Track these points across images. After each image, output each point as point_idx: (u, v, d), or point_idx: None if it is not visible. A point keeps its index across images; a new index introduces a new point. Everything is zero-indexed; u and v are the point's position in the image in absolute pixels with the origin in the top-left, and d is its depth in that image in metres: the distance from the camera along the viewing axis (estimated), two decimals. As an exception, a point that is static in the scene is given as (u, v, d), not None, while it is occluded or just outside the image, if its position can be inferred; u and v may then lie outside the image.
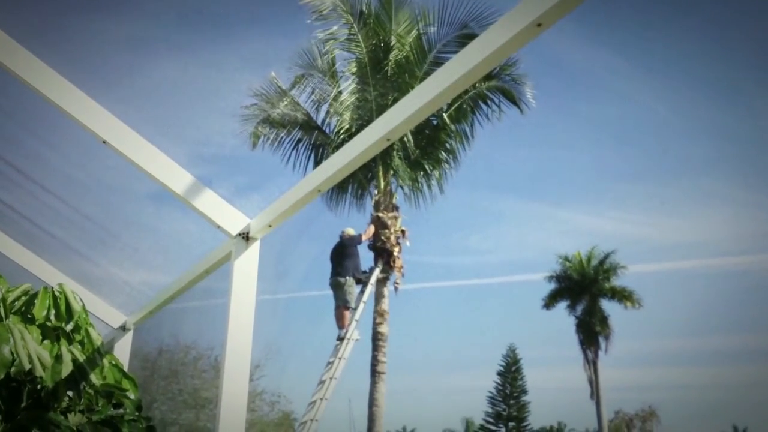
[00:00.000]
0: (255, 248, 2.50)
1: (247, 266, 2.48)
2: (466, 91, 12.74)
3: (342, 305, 10.20)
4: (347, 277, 10.24)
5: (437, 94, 1.60)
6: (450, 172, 13.55)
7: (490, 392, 55.60)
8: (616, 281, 39.41)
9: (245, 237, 2.49)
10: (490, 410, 55.63)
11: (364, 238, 11.28)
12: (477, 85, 12.54)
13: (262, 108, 12.75)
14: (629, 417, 47.64)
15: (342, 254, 10.50)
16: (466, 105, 12.99)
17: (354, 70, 12.79)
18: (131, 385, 2.82)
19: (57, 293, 2.69)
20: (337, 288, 10.27)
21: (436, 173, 13.45)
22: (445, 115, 12.94)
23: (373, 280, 11.27)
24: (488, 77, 12.53)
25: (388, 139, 1.78)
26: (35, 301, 2.63)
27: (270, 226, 2.41)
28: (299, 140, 13.29)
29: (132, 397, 2.74)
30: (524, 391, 54.79)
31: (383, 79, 12.34)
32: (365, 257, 11.23)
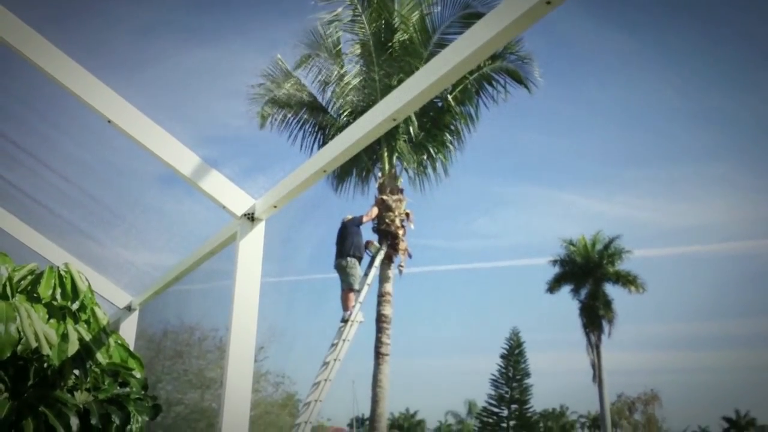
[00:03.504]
0: (260, 229, 2.50)
1: (252, 247, 2.48)
2: (471, 72, 12.63)
3: (347, 288, 10.23)
4: (348, 259, 10.25)
5: (444, 74, 1.58)
6: (455, 154, 13.50)
7: (493, 375, 55.92)
8: (621, 266, 39.36)
9: (250, 218, 2.49)
10: (492, 392, 55.97)
11: (365, 218, 11.26)
12: (482, 65, 12.44)
13: (268, 89, 12.69)
14: (631, 400, 47.81)
15: (343, 236, 10.52)
16: (471, 86, 12.89)
17: (358, 51, 12.71)
18: (137, 364, 2.83)
19: (63, 273, 2.70)
20: (340, 270, 10.29)
21: (440, 156, 13.39)
22: (449, 97, 12.85)
23: (377, 262, 11.27)
24: (493, 58, 12.43)
25: (394, 119, 1.77)
26: (41, 281, 2.64)
27: (275, 206, 2.41)
28: (305, 121, 13.25)
29: (138, 376, 2.76)
30: (527, 374, 55.09)
31: (388, 60, 12.26)
32: (362, 234, 11.19)
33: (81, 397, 2.50)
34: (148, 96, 2.61)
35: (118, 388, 2.63)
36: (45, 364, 2.43)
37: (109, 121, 2.35)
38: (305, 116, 13.22)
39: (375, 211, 11.80)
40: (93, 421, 2.31)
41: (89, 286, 2.75)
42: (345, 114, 12.51)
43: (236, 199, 2.52)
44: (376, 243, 11.59)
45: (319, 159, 2.10)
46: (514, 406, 54.96)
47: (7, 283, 2.50)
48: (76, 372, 2.50)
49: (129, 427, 2.47)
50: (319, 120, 13.22)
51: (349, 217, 10.82)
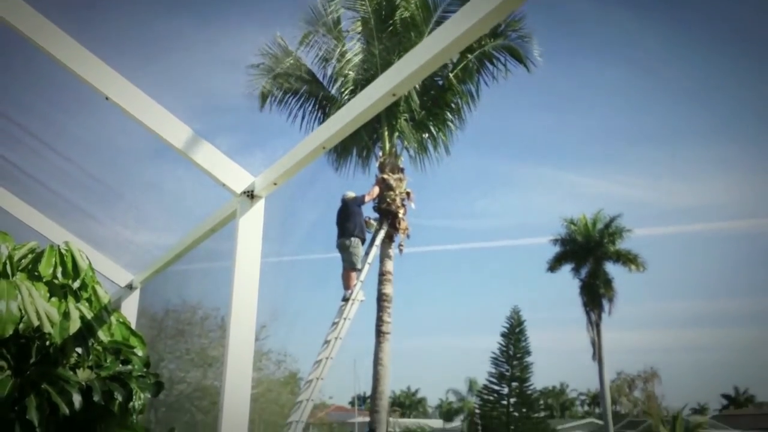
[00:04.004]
0: (260, 206, 2.49)
1: (252, 224, 2.47)
2: (471, 50, 12.54)
3: (349, 267, 10.25)
4: (351, 239, 10.27)
5: (445, 47, 1.56)
6: (456, 133, 13.45)
7: (493, 353, 56.14)
8: (621, 244, 39.44)
9: (250, 195, 2.48)
10: (493, 371, 56.26)
11: (367, 198, 11.26)
12: (483, 43, 12.35)
13: (268, 67, 12.60)
14: (631, 378, 48.18)
15: (345, 216, 10.50)
16: (472, 64, 12.81)
17: (359, 29, 12.61)
18: (139, 342, 2.84)
19: (63, 251, 2.69)
20: (343, 250, 10.31)
21: (441, 134, 13.34)
22: (450, 75, 12.78)
23: (377, 241, 11.29)
24: (494, 35, 12.33)
25: (394, 95, 1.75)
26: (42, 259, 2.64)
27: (275, 183, 2.40)
28: (305, 100, 13.18)
29: (140, 353, 2.76)
30: (527, 353, 55.29)
31: (389, 37, 12.16)
32: (363, 213, 11.19)
33: (83, 374, 2.50)
34: (146, 73, 2.59)
35: (120, 365, 2.63)
36: (47, 342, 2.44)
37: (106, 98, 2.33)
38: (305, 95, 13.15)
39: (376, 190, 11.79)
40: (95, 398, 2.32)
41: (90, 264, 2.75)
42: (346, 92, 12.43)
43: (235, 176, 2.51)
44: (372, 220, 11.59)
45: (319, 135, 2.08)
46: (514, 384, 55.26)
47: (8, 262, 2.50)
48: (78, 350, 2.51)
49: (132, 403, 2.49)
50: (319, 98, 13.15)
51: (351, 195, 10.79)
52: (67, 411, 2.21)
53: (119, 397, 2.41)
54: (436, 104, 13.20)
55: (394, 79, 1.73)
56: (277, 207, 2.77)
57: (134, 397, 2.50)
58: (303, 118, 13.18)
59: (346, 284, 10.22)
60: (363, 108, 1.84)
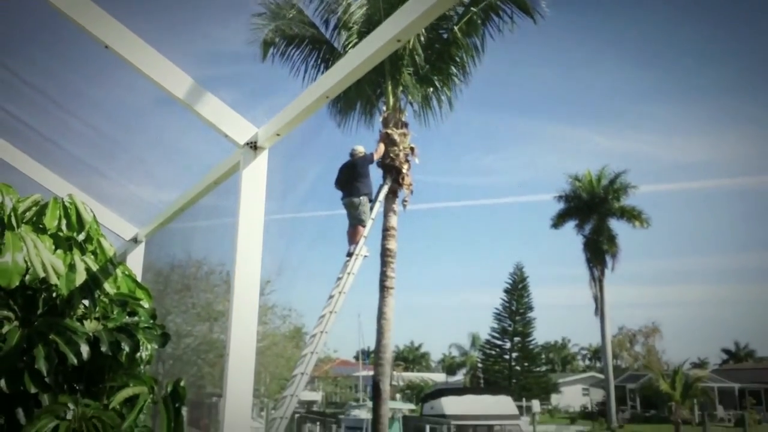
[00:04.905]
0: (263, 158, 2.47)
1: (255, 176, 2.45)
2: (477, 2, 12.29)
3: (357, 224, 10.27)
4: (361, 197, 10.27)
5: (450, -10, 1.51)
6: (460, 87, 13.29)
7: (496, 309, 56.84)
8: (626, 201, 39.39)
9: (253, 146, 2.45)
10: (496, 326, 57.00)
11: (375, 157, 11.23)
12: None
13: (271, 18, 12.36)
14: (632, 333, 48.70)
15: (354, 174, 10.46)
16: (477, 17, 12.56)
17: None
18: (145, 294, 2.85)
19: (67, 204, 2.69)
20: (351, 208, 10.31)
21: (446, 89, 13.17)
22: (455, 29, 12.56)
23: (381, 197, 11.28)
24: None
25: (399, 40, 1.71)
26: (46, 212, 2.63)
27: (278, 134, 2.37)
28: (308, 53, 12.98)
29: (146, 306, 2.78)
30: (530, 308, 55.98)
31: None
32: (374, 175, 11.19)
33: (90, 325, 2.52)
34: (147, 21, 2.54)
35: (127, 317, 2.65)
36: (53, 294, 2.45)
37: (106, 46, 2.29)
38: (308, 47, 12.95)
39: (382, 147, 11.74)
40: (103, 349, 2.34)
41: (94, 216, 2.75)
42: (350, 45, 12.24)
43: (238, 127, 2.48)
44: (386, 188, 11.61)
45: (322, 84, 2.04)
46: (516, 339, 56.08)
47: (12, 214, 2.50)
48: (85, 302, 2.52)
49: (139, 354, 2.51)
50: (322, 51, 12.96)
51: (361, 150, 10.72)
52: (75, 361, 2.23)
53: (126, 348, 2.43)
54: (440, 58, 13.00)
55: (399, 23, 1.68)
56: (281, 164, 2.75)
57: (141, 347, 2.52)
58: (306, 71, 13.01)
59: (352, 240, 10.25)
60: (367, 55, 1.80)
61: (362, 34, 12.00)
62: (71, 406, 2.10)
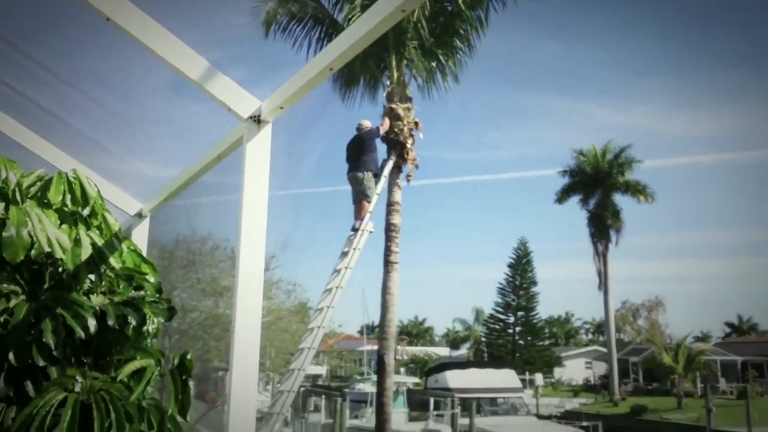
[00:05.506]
0: (267, 131, 2.46)
1: (259, 150, 2.44)
2: (482, -25, 12.15)
3: (362, 198, 10.27)
4: (366, 173, 10.25)
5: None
6: (464, 60, 13.18)
7: (500, 283, 57.03)
8: (631, 175, 39.24)
9: (257, 120, 2.44)
10: (499, 300, 57.27)
11: (381, 131, 11.19)
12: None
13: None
14: (635, 307, 48.78)
15: (361, 149, 10.44)
16: (482, -11, 12.42)
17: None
18: (150, 269, 2.86)
19: (71, 178, 2.68)
20: (356, 183, 10.30)
21: (450, 63, 13.07)
22: (460, 1, 12.41)
23: (386, 172, 11.26)
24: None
25: (403, 10, 1.68)
26: (50, 187, 2.63)
27: (281, 108, 2.35)
28: (311, 27, 12.86)
29: (151, 280, 2.79)
30: (534, 283, 56.17)
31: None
32: (379, 150, 11.15)
33: (97, 299, 2.53)
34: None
35: (133, 291, 2.66)
36: (59, 269, 2.46)
37: (107, 19, 2.26)
38: (310, 21, 12.83)
39: (387, 122, 11.70)
40: (110, 322, 2.35)
41: (98, 191, 2.74)
42: (353, 18, 12.12)
43: (242, 101, 2.46)
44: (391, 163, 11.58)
45: (326, 56, 2.02)
46: (520, 313, 56.36)
47: (16, 189, 2.50)
48: (91, 276, 2.53)
49: (145, 328, 2.52)
50: (325, 25, 12.84)
51: (367, 125, 10.69)
52: (82, 334, 2.25)
53: (133, 321, 2.44)
54: (445, 31, 12.87)
55: (404, -7, 1.65)
56: (285, 140, 2.74)
57: (148, 321, 2.53)
58: (309, 47, 12.90)
59: (358, 215, 10.25)
60: (372, 26, 1.77)
61: (365, 8, 11.87)
62: (79, 378, 2.12)
